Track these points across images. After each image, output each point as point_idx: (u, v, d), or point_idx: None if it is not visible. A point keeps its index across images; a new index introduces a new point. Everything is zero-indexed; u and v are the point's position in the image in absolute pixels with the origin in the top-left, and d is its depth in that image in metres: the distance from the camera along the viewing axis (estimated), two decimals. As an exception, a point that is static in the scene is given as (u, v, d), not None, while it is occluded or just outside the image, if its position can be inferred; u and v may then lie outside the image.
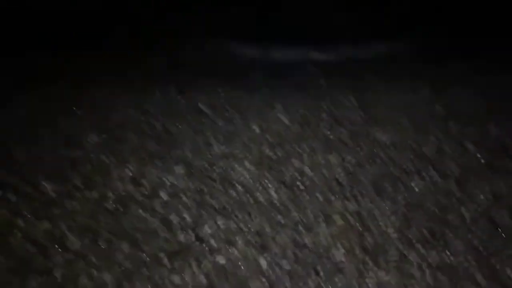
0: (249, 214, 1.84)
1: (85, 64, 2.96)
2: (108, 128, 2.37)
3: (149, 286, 1.49)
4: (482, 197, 1.87)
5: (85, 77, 2.79)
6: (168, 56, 3.20)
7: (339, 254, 1.56)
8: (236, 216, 1.83)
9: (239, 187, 2.02)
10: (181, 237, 1.74)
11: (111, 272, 1.57)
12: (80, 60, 2.99)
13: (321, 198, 1.90)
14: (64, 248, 1.70)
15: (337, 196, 1.90)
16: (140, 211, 1.89)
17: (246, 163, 2.19)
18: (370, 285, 1.43)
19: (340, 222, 1.74)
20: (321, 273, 1.48)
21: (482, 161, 2.11)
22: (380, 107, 2.61)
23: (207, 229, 1.78)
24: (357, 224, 1.73)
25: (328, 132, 2.41)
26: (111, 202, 1.94)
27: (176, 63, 3.17)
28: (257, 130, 2.49)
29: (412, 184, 1.97)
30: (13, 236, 1.75)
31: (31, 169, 2.09)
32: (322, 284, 1.44)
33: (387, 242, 1.62)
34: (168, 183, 2.07)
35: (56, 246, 1.71)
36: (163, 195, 2.00)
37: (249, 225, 1.77)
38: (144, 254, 1.65)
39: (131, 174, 2.12)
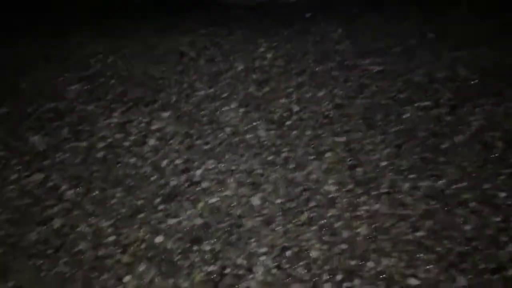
0: (239, 155, 1.84)
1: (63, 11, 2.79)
2: (89, 76, 2.28)
3: (146, 229, 1.52)
4: (474, 122, 1.86)
5: (63, 25, 2.64)
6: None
7: (330, 188, 1.58)
8: (226, 157, 1.83)
9: (227, 128, 2.00)
10: (173, 181, 1.75)
11: (107, 218, 1.59)
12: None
13: (310, 134, 1.89)
14: (60, 199, 1.71)
15: (326, 131, 1.89)
16: (130, 158, 1.88)
17: (233, 104, 2.15)
18: (362, 216, 1.47)
19: (330, 157, 1.75)
20: (314, 208, 1.51)
21: (474, 84, 2.08)
22: (369, 37, 2.52)
23: (198, 172, 1.78)
24: (348, 158, 1.73)
25: (315, 66, 2.35)
26: (100, 150, 1.93)
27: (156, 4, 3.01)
28: (242, 69, 2.42)
29: (403, 114, 1.95)
30: (8, 189, 1.75)
31: (17, 123, 2.04)
32: (316, 218, 1.47)
33: (379, 173, 1.63)
34: (155, 128, 2.04)
35: (51, 197, 1.72)
36: (152, 141, 1.98)
37: (239, 166, 1.78)
38: (139, 201, 1.66)
39: (117, 121, 2.09)
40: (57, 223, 1.61)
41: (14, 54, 2.57)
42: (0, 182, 1.79)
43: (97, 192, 1.71)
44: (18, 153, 1.93)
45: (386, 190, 1.58)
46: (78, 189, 1.73)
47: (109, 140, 1.97)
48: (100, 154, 1.89)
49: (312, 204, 1.54)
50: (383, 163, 1.70)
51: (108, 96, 2.21)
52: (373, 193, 1.56)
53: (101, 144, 1.95)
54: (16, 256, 1.47)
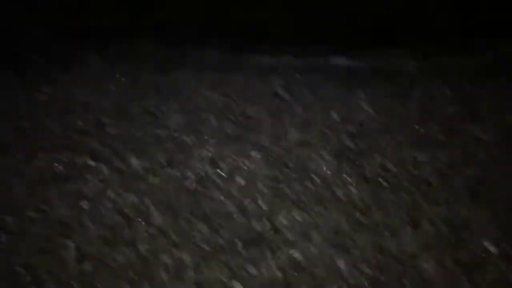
0: (326, 209, 1.77)
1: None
2: (191, 110, 2.41)
3: (226, 272, 1.51)
4: None
5: (169, 61, 2.85)
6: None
7: (427, 266, 1.43)
8: (313, 210, 1.77)
9: (316, 179, 1.95)
10: (257, 224, 1.73)
11: (190, 253, 1.61)
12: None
13: (407, 199, 1.76)
14: (148, 222, 1.78)
15: (426, 199, 1.74)
16: (218, 193, 1.91)
17: (324, 153, 2.10)
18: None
19: (429, 229, 1.60)
20: (407, 285, 1.37)
21: None
22: (481, 102, 2.33)
23: (282, 220, 1.75)
24: (449, 233, 1.57)
25: (418, 126, 2.22)
26: (191, 181, 1.99)
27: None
28: (337, 118, 2.38)
29: (516, 192, 1.74)
30: (104, 205, 1.87)
31: (121, 143, 2.21)
32: (409, 298, 1.34)
33: (485, 259, 1.45)
34: (245, 167, 2.07)
35: (140, 219, 1.80)
36: (240, 179, 2.00)
37: (326, 221, 1.71)
38: (221, 239, 1.67)
39: (210, 155, 2.15)
40: (142, 247, 1.67)
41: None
42: (98, 197, 1.92)
43: (184, 223, 1.76)
44: (119, 171, 2.06)
45: (492, 280, 1.38)
46: (166, 217, 1.80)
47: (201, 173, 2.03)
48: (191, 186, 1.96)
49: (405, 280, 1.40)
50: (492, 248, 1.50)
51: (203, 129, 2.30)
52: (480, 279, 1.38)
53: (192, 176, 2.02)
54: (103, 275, 1.54)
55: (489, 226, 1.60)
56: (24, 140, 2.20)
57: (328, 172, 1.99)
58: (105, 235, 1.73)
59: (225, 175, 2.02)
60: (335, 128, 2.29)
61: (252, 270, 1.51)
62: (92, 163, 2.10)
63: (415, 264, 1.45)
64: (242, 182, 1.98)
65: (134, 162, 2.13)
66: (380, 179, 1.90)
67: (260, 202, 1.86)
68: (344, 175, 1.96)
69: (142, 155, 2.16)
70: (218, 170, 2.05)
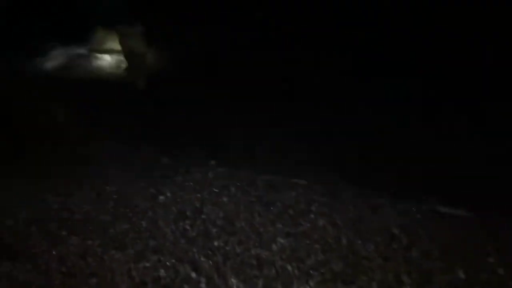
0: None
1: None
2: (298, 234, 2.35)
3: None
4: None
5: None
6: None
7: None
8: None
9: None
10: None
11: None
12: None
13: None
14: None
15: None
16: None
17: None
18: None
19: None
20: None
21: None
22: None
23: None
24: None
25: None
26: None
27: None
28: (462, 276, 2.07)
29: None
30: None
31: (223, 258, 2.19)
32: None
33: None
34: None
35: None
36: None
37: None
38: None
39: (311, 291, 2.00)
40: None
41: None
42: None
43: None
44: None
45: None
46: None
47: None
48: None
49: None
50: None
51: (308, 261, 2.18)
52: None
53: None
54: None
55: None
56: (139, 240, 2.32)
57: None
58: None
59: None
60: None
61: None
62: (193, 274, 2.10)
63: None
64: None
65: (233, 282, 2.07)
66: None
67: None
68: None
69: (241, 276, 2.10)
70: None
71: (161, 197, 2.65)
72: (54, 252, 2.19)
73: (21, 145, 3.31)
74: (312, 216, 2.52)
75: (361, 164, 3.06)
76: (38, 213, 2.45)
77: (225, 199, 2.65)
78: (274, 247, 2.28)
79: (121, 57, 5.76)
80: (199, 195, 2.69)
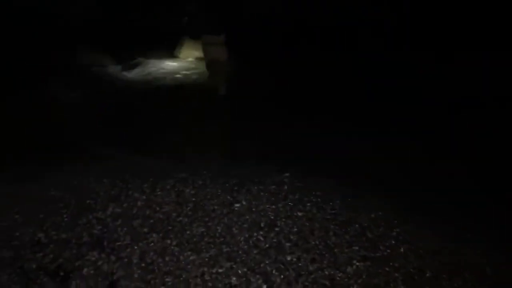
0: None
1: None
2: (375, 257, 2.22)
3: None
4: None
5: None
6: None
7: None
8: None
9: None
10: None
11: None
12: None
13: None
14: None
15: None
16: None
17: None
18: None
19: None
20: None
21: None
22: None
23: None
24: None
25: None
26: None
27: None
28: None
29: None
30: None
31: None
32: None
33: None
34: None
35: None
36: None
37: None
38: None
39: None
40: None
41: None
42: None
43: None
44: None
45: None
46: None
47: None
48: None
49: None
50: None
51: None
52: None
53: None
54: None
55: None
56: (213, 245, 2.36)
57: None
58: None
59: None
60: None
61: None
62: (264, 287, 2.08)
63: None
64: None
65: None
66: None
67: None
68: None
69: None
70: None
71: (237, 205, 2.68)
72: (135, 247, 2.31)
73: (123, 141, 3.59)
74: (392, 241, 2.37)
75: (452, 192, 2.83)
76: (125, 208, 2.62)
77: (299, 213, 2.60)
78: (349, 269, 2.18)
79: (204, 64, 6.06)
80: (273, 206, 2.67)
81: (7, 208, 2.59)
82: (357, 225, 2.51)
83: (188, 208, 2.64)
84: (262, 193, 2.82)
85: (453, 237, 2.43)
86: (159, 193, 2.78)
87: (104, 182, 2.89)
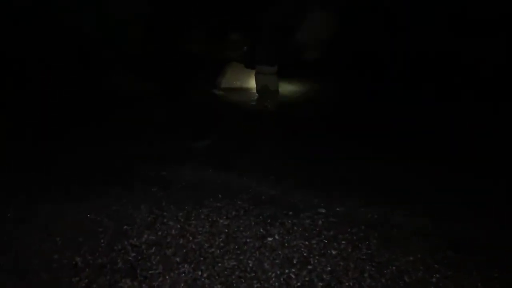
0: None
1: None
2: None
3: None
4: None
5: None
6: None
7: None
8: None
9: None
10: None
11: None
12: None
13: None
14: None
15: None
16: None
17: None
18: None
19: None
20: None
21: None
22: None
23: None
24: None
25: None
26: None
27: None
28: None
29: None
30: None
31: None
32: None
33: None
34: None
35: None
36: None
37: None
38: None
39: None
40: None
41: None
42: None
43: None
44: None
45: None
46: None
47: None
48: None
49: None
50: None
51: None
52: None
53: None
54: None
55: None
56: (244, 280, 2.33)
57: None
58: None
59: None
60: None
61: None
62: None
63: None
64: None
65: None
66: None
67: None
68: None
69: None
70: None
71: (269, 239, 2.65)
72: (167, 277, 2.33)
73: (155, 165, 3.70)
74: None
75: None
76: (159, 236, 2.66)
77: (333, 252, 2.53)
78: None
79: (255, 93, 6.22)
80: (307, 242, 2.61)
81: (49, 229, 2.71)
82: (394, 268, 2.39)
83: (221, 239, 2.65)
84: (295, 227, 2.78)
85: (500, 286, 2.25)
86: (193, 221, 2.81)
87: (141, 208, 2.97)
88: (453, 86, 5.36)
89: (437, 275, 2.34)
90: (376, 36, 6.02)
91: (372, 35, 6.09)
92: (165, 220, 2.83)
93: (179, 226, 2.77)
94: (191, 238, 2.65)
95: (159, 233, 2.69)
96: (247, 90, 6.43)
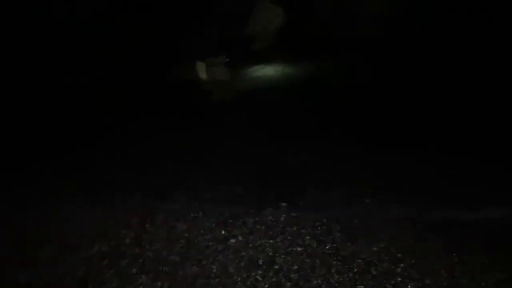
0: None
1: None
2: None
3: None
4: None
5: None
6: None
7: None
8: None
9: None
10: None
11: None
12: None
13: None
14: None
15: None
16: None
17: None
18: None
19: None
20: None
21: None
22: None
23: None
24: None
25: None
26: None
27: None
28: None
29: None
30: None
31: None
32: None
33: None
34: None
35: None
36: None
37: None
38: None
39: None
40: None
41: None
42: None
43: None
44: None
45: None
46: None
47: None
48: None
49: None
50: None
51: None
52: None
53: None
54: None
55: None
56: (208, 287, 2.20)
57: None
58: None
59: None
60: None
61: None
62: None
63: None
64: None
65: None
66: None
67: None
68: None
69: None
70: None
71: (232, 240, 2.52)
72: (124, 291, 2.13)
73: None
74: (398, 279, 2.23)
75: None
76: (111, 247, 2.44)
77: (299, 249, 2.45)
78: (355, 312, 2.04)
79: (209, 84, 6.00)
80: (271, 241, 2.52)
81: None
82: (360, 261, 2.37)
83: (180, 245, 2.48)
84: (258, 226, 2.67)
85: (464, 273, 2.29)
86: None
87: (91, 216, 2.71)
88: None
89: (402, 265, 2.35)
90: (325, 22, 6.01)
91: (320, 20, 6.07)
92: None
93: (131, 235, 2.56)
94: (147, 246, 2.46)
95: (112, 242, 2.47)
96: (202, 83, 6.20)
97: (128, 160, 3.58)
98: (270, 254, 2.41)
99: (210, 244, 2.49)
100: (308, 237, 2.56)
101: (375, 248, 2.47)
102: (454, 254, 2.40)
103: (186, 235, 2.56)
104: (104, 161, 3.57)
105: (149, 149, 3.81)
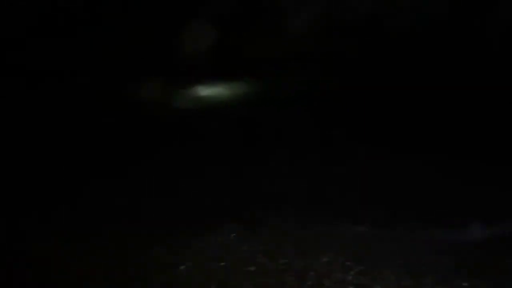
0: None
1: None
2: None
3: None
4: None
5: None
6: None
7: None
8: None
9: None
10: None
11: None
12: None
13: None
14: None
15: None
16: None
17: None
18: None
19: None
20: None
21: None
22: None
23: None
24: None
25: None
26: None
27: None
28: None
29: None
30: None
31: None
32: None
33: None
34: None
35: None
36: None
37: None
38: None
39: None
40: None
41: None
42: None
43: None
44: None
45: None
46: None
47: None
48: None
49: None
50: None
51: None
52: None
53: None
54: None
55: None
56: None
57: None
58: None
59: None
60: None
61: None
62: None
63: None
64: None
65: None
66: None
67: None
68: None
69: None
70: None
71: (182, 267, 2.39)
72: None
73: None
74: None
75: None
76: None
77: (252, 268, 2.39)
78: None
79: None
80: (223, 263, 2.43)
81: None
82: (313, 273, 2.37)
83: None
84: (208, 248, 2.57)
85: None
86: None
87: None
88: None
89: (352, 273, 2.38)
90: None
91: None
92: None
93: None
94: None
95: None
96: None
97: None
98: (222, 278, 2.31)
99: (154, 275, 2.33)
100: (260, 255, 2.51)
101: (325, 259, 2.49)
102: (399, 258, 2.49)
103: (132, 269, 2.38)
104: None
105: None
